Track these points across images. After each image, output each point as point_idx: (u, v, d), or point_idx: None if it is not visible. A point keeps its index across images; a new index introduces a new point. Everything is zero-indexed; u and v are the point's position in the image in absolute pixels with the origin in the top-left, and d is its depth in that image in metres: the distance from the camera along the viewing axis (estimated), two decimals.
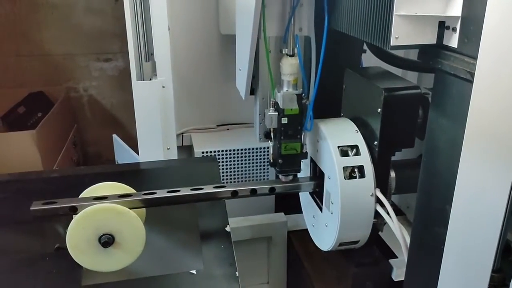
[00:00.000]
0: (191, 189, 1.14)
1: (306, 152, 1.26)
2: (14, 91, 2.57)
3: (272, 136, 1.23)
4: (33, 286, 0.98)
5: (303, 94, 1.18)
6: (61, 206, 1.05)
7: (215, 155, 1.76)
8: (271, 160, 1.26)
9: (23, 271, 1.03)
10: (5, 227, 1.16)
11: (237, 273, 0.97)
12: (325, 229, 1.25)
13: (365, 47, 1.39)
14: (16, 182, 1.32)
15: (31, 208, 1.03)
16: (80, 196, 1.09)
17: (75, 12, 2.59)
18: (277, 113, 1.18)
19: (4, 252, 1.10)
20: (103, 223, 0.99)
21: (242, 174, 1.82)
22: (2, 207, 1.23)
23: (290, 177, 1.27)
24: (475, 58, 0.71)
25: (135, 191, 1.12)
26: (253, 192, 1.20)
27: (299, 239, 1.62)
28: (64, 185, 1.32)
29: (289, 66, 1.16)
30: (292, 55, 1.17)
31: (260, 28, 1.15)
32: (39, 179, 1.37)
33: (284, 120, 1.18)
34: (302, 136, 1.22)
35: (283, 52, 1.19)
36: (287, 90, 1.18)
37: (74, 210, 1.03)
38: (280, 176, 1.27)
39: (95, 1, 2.59)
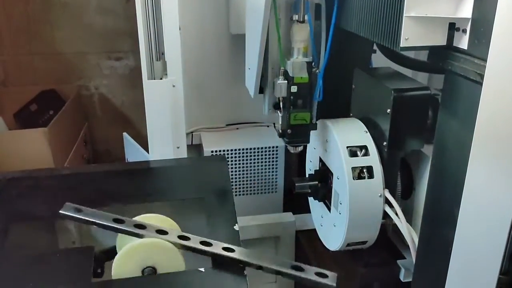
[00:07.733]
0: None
1: (316, 123, 1.24)
2: (27, 89, 2.60)
3: (281, 107, 1.22)
4: (43, 282, 0.99)
5: (313, 63, 1.18)
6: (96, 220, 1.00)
7: (224, 154, 1.76)
8: (280, 131, 1.24)
9: (34, 267, 1.04)
10: (17, 223, 1.17)
11: (245, 271, 0.97)
12: (333, 229, 1.25)
13: (375, 47, 1.39)
14: (29, 179, 1.34)
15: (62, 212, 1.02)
16: None
17: (86, 12, 2.61)
18: (286, 81, 1.17)
19: (16, 248, 1.12)
20: (149, 256, 0.98)
21: (251, 174, 1.82)
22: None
23: (300, 148, 1.25)
24: (485, 60, 0.71)
25: (174, 223, 1.09)
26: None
27: (307, 239, 1.62)
28: (76, 182, 1.33)
29: (300, 32, 1.15)
30: (303, 22, 1.16)
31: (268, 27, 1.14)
32: (51, 176, 1.38)
33: (294, 89, 1.16)
34: (312, 106, 1.21)
35: (294, 19, 1.17)
36: (297, 58, 1.17)
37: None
38: (289, 147, 1.25)
39: (106, 0, 2.61)
